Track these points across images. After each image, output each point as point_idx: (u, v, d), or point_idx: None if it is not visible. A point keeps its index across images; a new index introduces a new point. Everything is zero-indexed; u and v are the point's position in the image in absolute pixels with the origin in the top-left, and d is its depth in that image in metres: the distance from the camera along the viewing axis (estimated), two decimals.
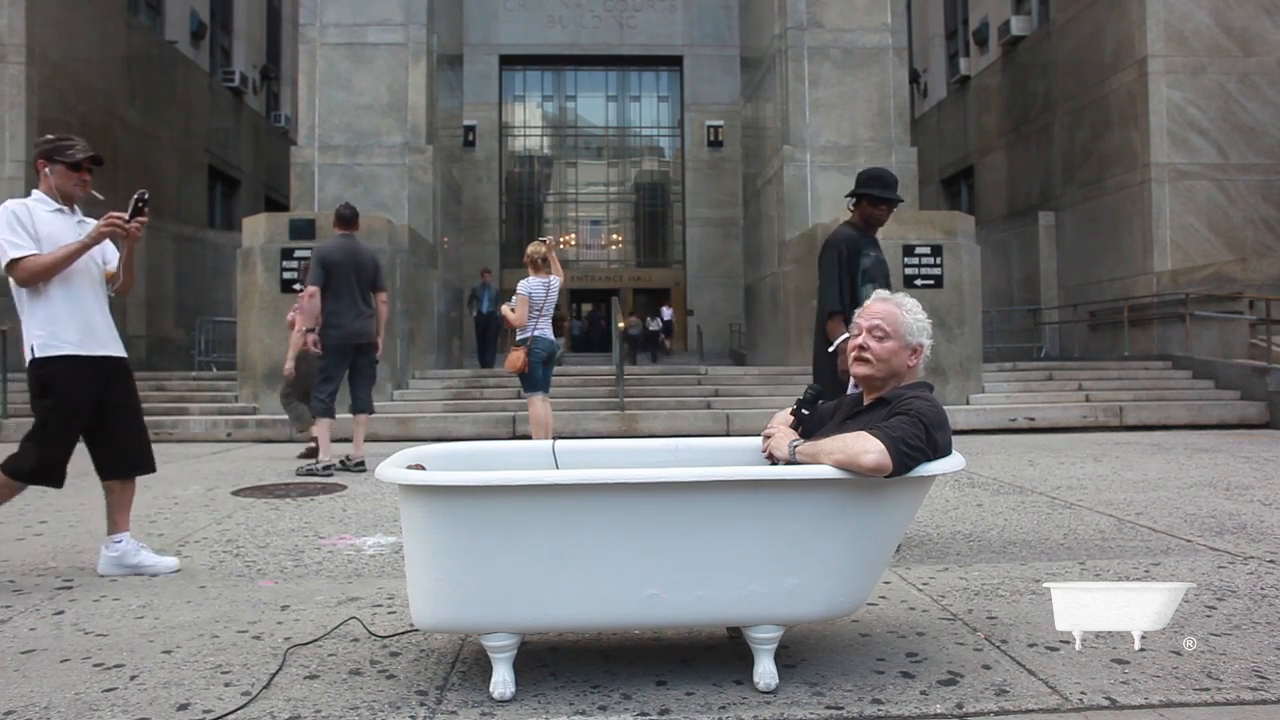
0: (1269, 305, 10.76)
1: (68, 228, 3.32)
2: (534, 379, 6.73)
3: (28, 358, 3.20)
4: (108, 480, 3.37)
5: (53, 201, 3.33)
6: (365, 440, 6.93)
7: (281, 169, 18.18)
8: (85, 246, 3.22)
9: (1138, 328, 13.50)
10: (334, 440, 6.47)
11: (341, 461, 6.28)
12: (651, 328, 24.63)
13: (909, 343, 2.35)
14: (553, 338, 6.81)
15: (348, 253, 6.18)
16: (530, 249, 6.82)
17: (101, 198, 3.51)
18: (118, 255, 3.53)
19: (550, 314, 6.71)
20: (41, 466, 3.18)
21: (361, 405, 6.49)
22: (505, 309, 6.85)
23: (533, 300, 6.61)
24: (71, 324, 3.21)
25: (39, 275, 3.15)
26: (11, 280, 3.16)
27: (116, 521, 3.35)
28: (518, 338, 6.70)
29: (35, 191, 3.34)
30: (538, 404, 6.77)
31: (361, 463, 6.30)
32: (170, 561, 3.38)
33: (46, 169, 3.32)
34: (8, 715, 1.99)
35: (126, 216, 3.32)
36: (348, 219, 6.35)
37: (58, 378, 3.17)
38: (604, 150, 30.27)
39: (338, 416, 6.43)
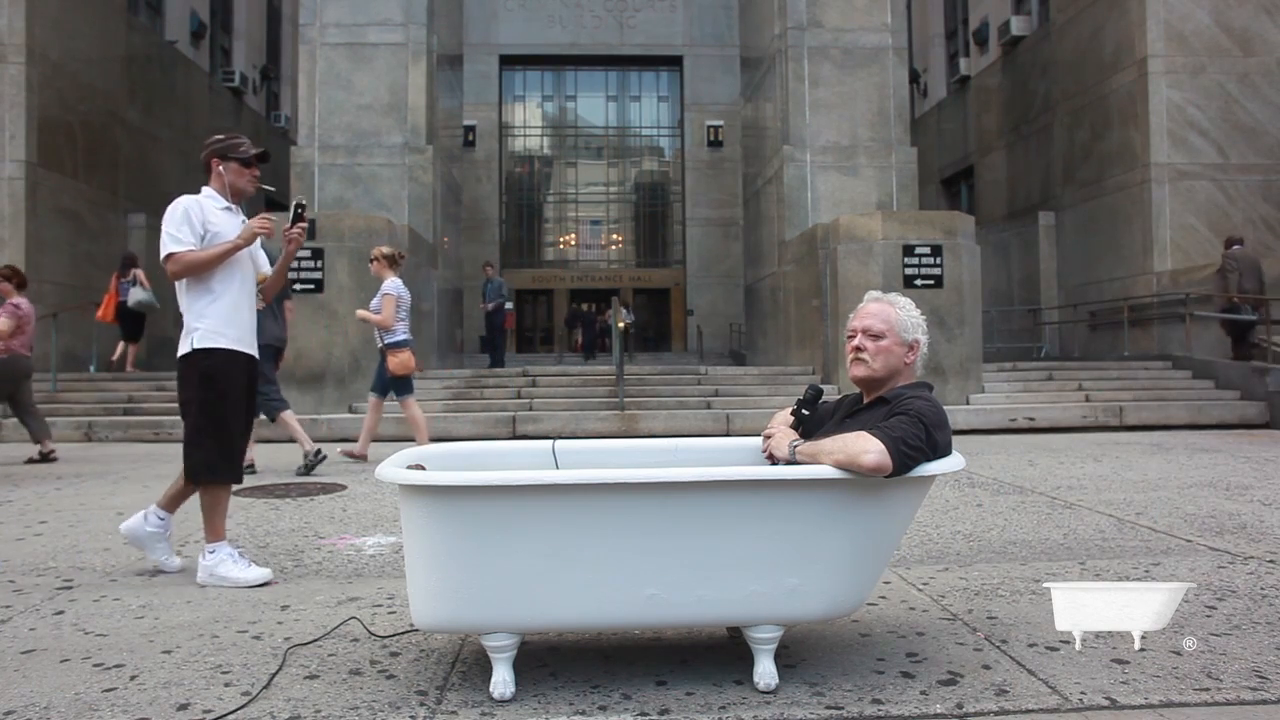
0: (1269, 305, 10.75)
1: (233, 225, 3.36)
2: (409, 381, 6.84)
3: (185, 349, 3.23)
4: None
5: (222, 199, 3.39)
6: (367, 440, 7.00)
7: (281, 169, 18.18)
8: (236, 247, 3.28)
9: (1138, 328, 13.50)
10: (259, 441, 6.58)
11: (309, 460, 6.38)
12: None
13: (904, 340, 2.36)
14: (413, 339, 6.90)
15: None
16: (387, 249, 6.81)
17: (273, 189, 3.60)
18: (265, 259, 3.62)
19: (409, 317, 6.78)
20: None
21: (284, 404, 6.65)
22: (362, 312, 6.82)
23: (400, 300, 6.63)
24: (231, 321, 3.28)
25: (191, 270, 3.22)
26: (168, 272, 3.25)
27: (218, 530, 3.27)
28: (390, 339, 6.66)
29: (206, 188, 3.40)
30: (414, 406, 6.85)
31: (318, 451, 6.44)
32: (260, 573, 3.21)
33: (220, 167, 3.38)
34: (8, 715, 1.99)
35: (288, 223, 3.42)
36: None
37: (220, 368, 3.23)
38: (604, 150, 30.25)
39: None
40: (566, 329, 26.10)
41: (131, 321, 12.08)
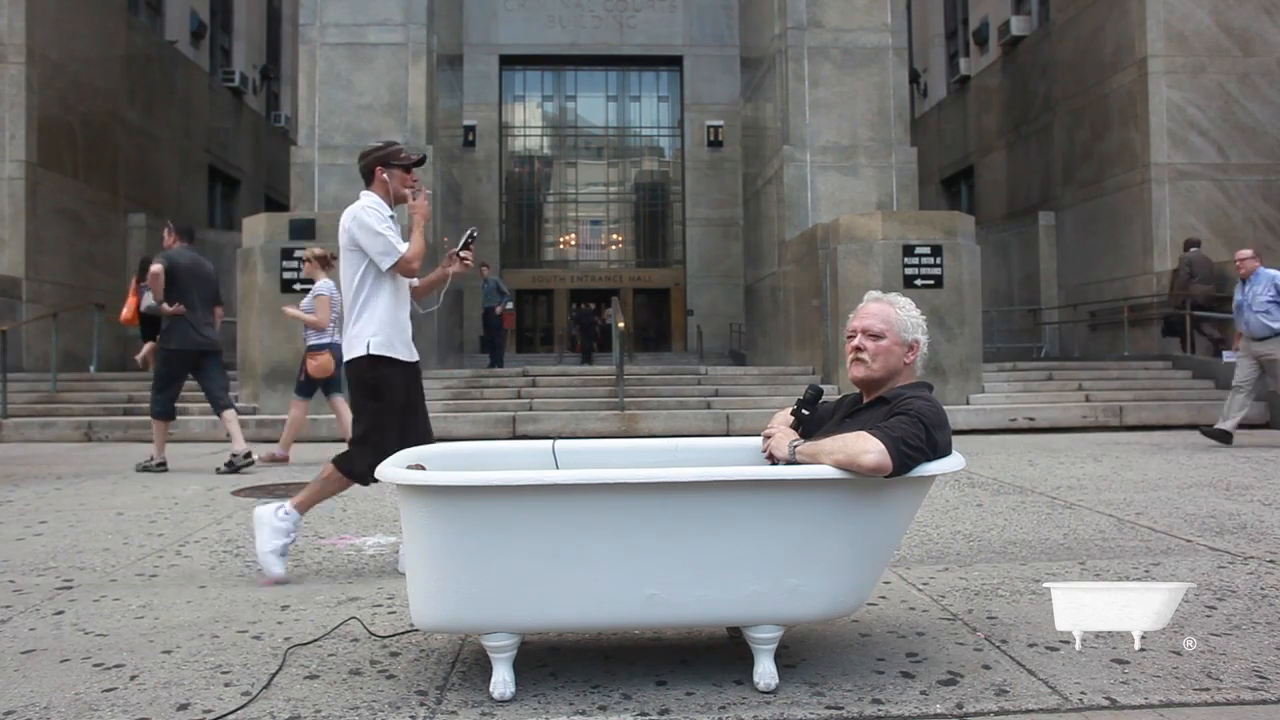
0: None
1: (395, 232, 3.42)
2: (337, 381, 6.80)
3: (356, 353, 3.27)
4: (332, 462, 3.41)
5: (386, 206, 3.43)
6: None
7: (281, 169, 18.16)
8: (422, 238, 3.38)
9: (1138, 328, 13.50)
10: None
11: (229, 461, 6.44)
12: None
13: (904, 339, 2.36)
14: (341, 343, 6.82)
15: (194, 263, 6.52)
16: (319, 249, 6.82)
17: (429, 191, 3.61)
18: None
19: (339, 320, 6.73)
20: (366, 470, 3.23)
21: (226, 404, 6.70)
22: (292, 310, 6.83)
23: (333, 301, 6.60)
24: (398, 330, 3.34)
25: (415, 269, 3.35)
26: (356, 274, 3.30)
27: (304, 499, 3.36)
28: (317, 341, 6.65)
29: (369, 195, 3.42)
30: (304, 408, 6.86)
31: (249, 454, 6.48)
32: (279, 571, 3.25)
33: (384, 174, 3.41)
34: (8, 715, 1.99)
35: (459, 245, 3.47)
36: (190, 234, 6.75)
37: (388, 379, 3.29)
38: (604, 150, 30.23)
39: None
40: (569, 331, 26.04)
41: (151, 323, 12.28)
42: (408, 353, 3.37)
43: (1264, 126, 13.50)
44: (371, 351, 3.24)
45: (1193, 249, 11.86)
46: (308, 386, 6.87)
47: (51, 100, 13.60)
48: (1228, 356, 8.17)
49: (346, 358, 3.32)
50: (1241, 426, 9.52)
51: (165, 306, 6.36)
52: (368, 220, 3.26)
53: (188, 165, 18.35)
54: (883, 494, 2.11)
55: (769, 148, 14.78)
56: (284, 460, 6.87)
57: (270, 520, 3.19)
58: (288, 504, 3.25)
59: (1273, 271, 7.56)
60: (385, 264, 3.26)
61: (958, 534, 3.96)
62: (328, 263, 6.73)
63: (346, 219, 3.31)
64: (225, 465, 6.39)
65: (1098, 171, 14.83)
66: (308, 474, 6.25)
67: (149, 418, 6.88)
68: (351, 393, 3.38)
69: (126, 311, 12.29)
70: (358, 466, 3.26)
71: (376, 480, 2.98)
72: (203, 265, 6.64)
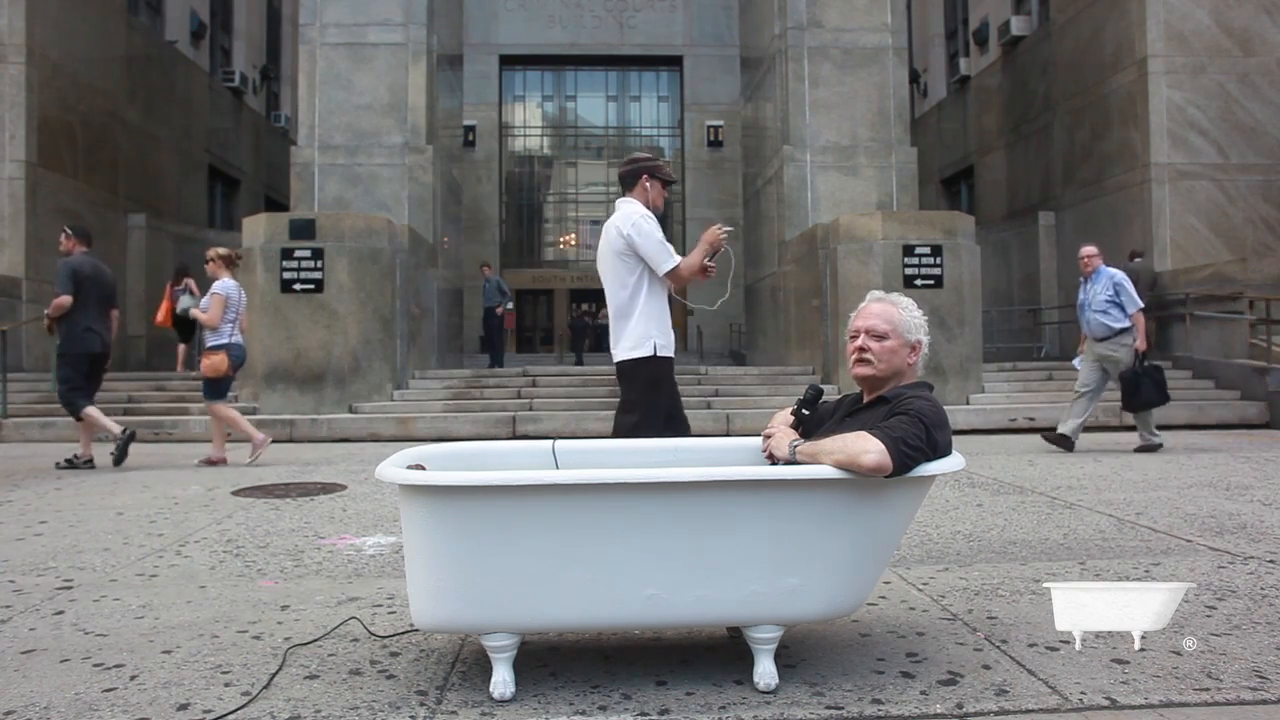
0: (1269, 305, 10.76)
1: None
2: (227, 385, 6.81)
3: (642, 354, 3.53)
4: None
5: (641, 210, 3.64)
6: (366, 439, 6.99)
7: (281, 169, 18.17)
8: (702, 258, 3.58)
9: None
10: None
11: (69, 460, 6.53)
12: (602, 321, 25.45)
13: (908, 340, 2.36)
14: (243, 344, 6.84)
15: (96, 269, 6.62)
16: (224, 250, 6.81)
17: (729, 228, 3.82)
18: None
19: (239, 320, 6.76)
20: None
21: (91, 403, 6.74)
22: (194, 310, 6.81)
23: (229, 302, 6.61)
24: (668, 330, 3.62)
25: (687, 280, 3.60)
26: (631, 278, 3.54)
27: None
28: (213, 341, 6.63)
29: (633, 203, 3.63)
30: (222, 410, 6.78)
31: (90, 460, 6.59)
32: None
33: (648, 183, 3.64)
34: (8, 715, 1.99)
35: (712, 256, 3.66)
36: (88, 237, 6.76)
37: (666, 374, 3.59)
38: (604, 150, 30.25)
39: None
40: (570, 333, 25.95)
41: (184, 326, 12.77)
42: (672, 350, 3.66)
43: (1264, 126, 13.50)
44: (659, 353, 3.55)
45: (1136, 259, 12.70)
46: (218, 387, 6.77)
47: (51, 100, 13.60)
48: (1075, 363, 7.83)
49: (631, 356, 3.55)
50: (1241, 426, 9.54)
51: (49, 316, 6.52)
52: (648, 228, 3.52)
53: (188, 165, 18.36)
54: (883, 494, 2.11)
55: (769, 148, 14.78)
56: (221, 462, 6.73)
57: None
58: None
59: (1113, 270, 7.33)
60: (663, 270, 3.51)
61: (958, 534, 3.96)
62: (232, 262, 6.74)
63: (624, 226, 3.51)
64: (65, 461, 6.51)
65: (1098, 171, 14.83)
66: (307, 473, 6.26)
67: (149, 418, 6.87)
68: (628, 387, 3.61)
69: (160, 314, 12.79)
70: None
71: None
72: (102, 271, 6.76)
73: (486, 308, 15.33)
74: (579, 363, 17.31)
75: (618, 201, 3.69)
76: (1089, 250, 7.52)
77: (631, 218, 3.52)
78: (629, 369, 3.56)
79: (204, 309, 6.69)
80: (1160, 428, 7.50)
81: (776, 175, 14.02)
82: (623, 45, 27.27)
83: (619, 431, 3.62)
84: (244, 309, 6.85)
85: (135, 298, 15.57)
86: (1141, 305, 7.27)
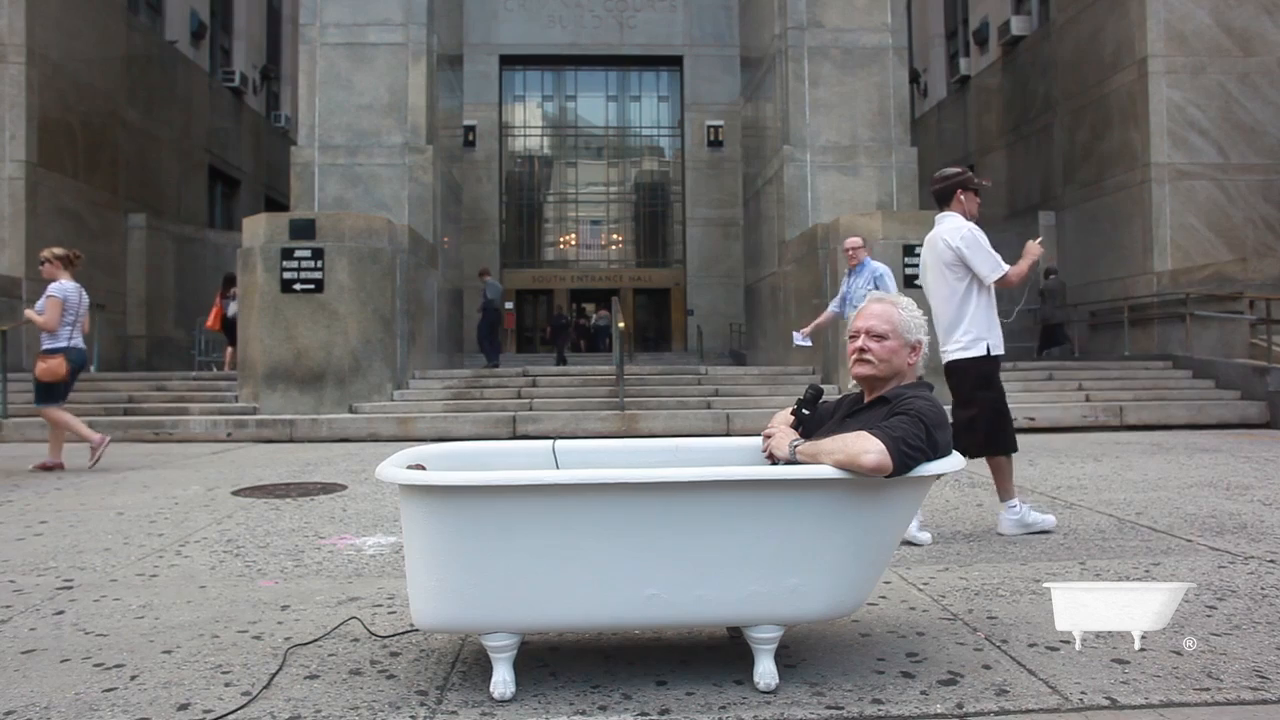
0: (1269, 305, 10.76)
1: None
2: (64, 389, 6.63)
3: (976, 354, 3.89)
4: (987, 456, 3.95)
5: (967, 224, 3.97)
6: (366, 439, 6.97)
7: (281, 169, 18.18)
8: (1030, 268, 3.96)
9: (1138, 328, 13.49)
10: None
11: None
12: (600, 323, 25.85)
13: (908, 341, 2.36)
14: (84, 347, 6.65)
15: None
16: (60, 250, 6.60)
17: (1042, 239, 4.24)
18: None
19: (79, 322, 6.56)
20: (1001, 437, 3.92)
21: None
22: (29, 312, 6.60)
23: (67, 304, 6.40)
24: (998, 329, 3.97)
25: (1005, 285, 3.91)
26: (961, 286, 3.90)
27: (1009, 490, 3.93)
28: (49, 345, 6.43)
29: (954, 216, 4.00)
30: (55, 413, 6.58)
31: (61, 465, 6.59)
32: (1050, 519, 3.92)
33: (963, 196, 4.02)
34: (8, 715, 1.99)
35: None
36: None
37: (996, 373, 3.94)
38: (604, 150, 30.23)
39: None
40: (550, 331, 25.41)
41: (233, 329, 13.09)
42: (1003, 349, 4.00)
43: (1264, 126, 13.50)
44: (992, 353, 3.90)
45: (1051, 277, 14.17)
46: (53, 392, 6.53)
47: (51, 100, 13.60)
48: (796, 337, 7.49)
49: (964, 355, 3.91)
50: (1242, 426, 9.53)
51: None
52: (978, 239, 3.86)
53: (188, 165, 18.35)
54: (883, 494, 2.11)
55: (769, 148, 14.78)
56: (58, 468, 6.50)
57: (1013, 522, 3.87)
58: (1003, 504, 3.93)
59: (877, 264, 7.07)
60: (993, 278, 3.86)
61: (958, 534, 3.96)
62: (70, 263, 6.52)
63: (952, 239, 3.87)
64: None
65: (1098, 171, 14.83)
66: (307, 473, 6.25)
67: (149, 418, 6.84)
68: (960, 384, 3.96)
69: (211, 318, 13.03)
70: (966, 444, 3.75)
71: (1012, 449, 3.93)
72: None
73: (492, 308, 15.40)
74: (559, 362, 17.32)
75: (938, 216, 4.07)
76: (854, 241, 7.19)
77: (960, 230, 3.89)
78: (963, 367, 3.92)
79: (40, 311, 6.38)
80: (1160, 427, 7.47)
81: (776, 175, 14.02)
82: (623, 45, 27.26)
83: (956, 427, 3.86)
84: (85, 311, 6.58)
85: (135, 298, 15.58)
86: None
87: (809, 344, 7.18)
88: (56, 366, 6.42)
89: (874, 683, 2.14)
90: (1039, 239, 4.04)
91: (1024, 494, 5.06)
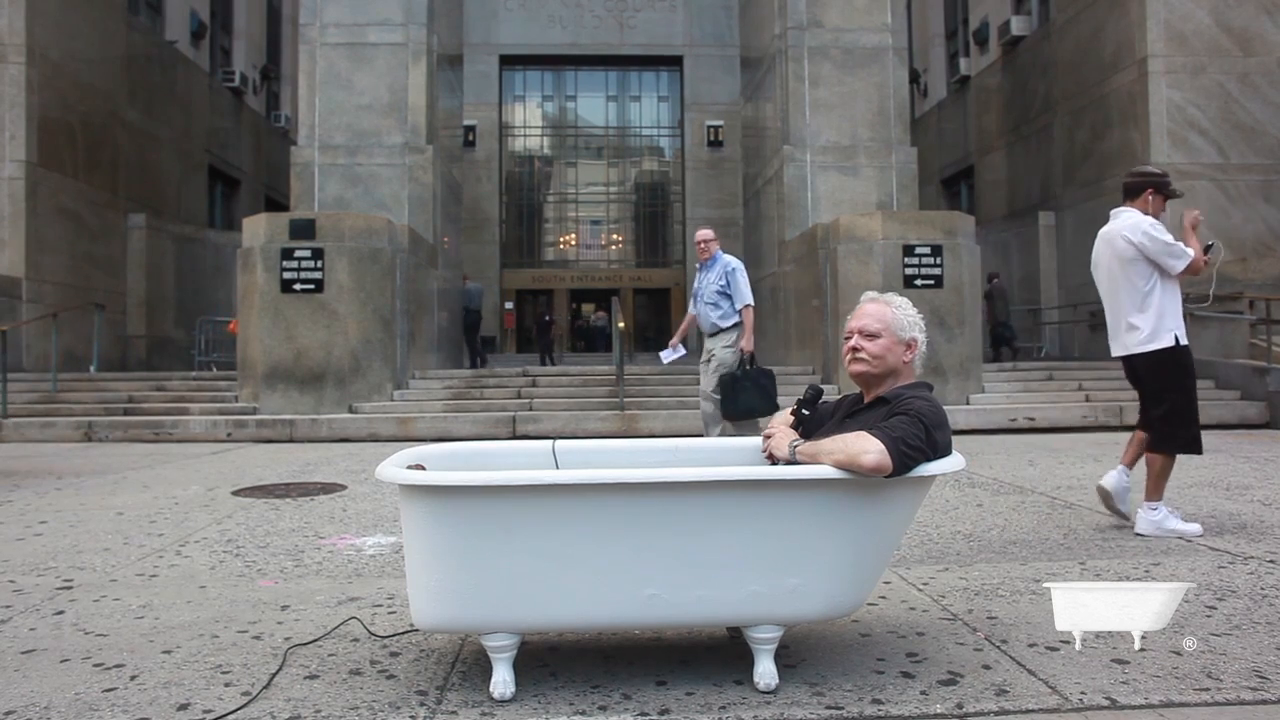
0: (1269, 305, 10.75)
1: None
2: None
3: (1166, 344, 3.88)
4: (1152, 452, 3.98)
5: (1147, 218, 3.99)
6: (366, 439, 6.95)
7: (281, 169, 18.17)
8: (1196, 245, 3.98)
9: None
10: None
11: None
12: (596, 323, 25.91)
13: (901, 338, 2.36)
14: None
15: None
16: None
17: (1198, 213, 4.18)
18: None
19: None
20: (1192, 438, 3.91)
21: None
22: None
23: None
24: (1182, 320, 3.97)
25: (1194, 273, 3.96)
26: (1147, 279, 3.91)
27: (1160, 492, 3.91)
28: None
29: (1133, 211, 4.02)
30: None
31: None
32: (1194, 527, 3.83)
33: (1151, 196, 4.04)
34: (8, 715, 1.99)
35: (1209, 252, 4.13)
36: None
37: (1189, 364, 3.94)
38: (604, 150, 30.24)
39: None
40: (536, 331, 24.86)
41: None
42: (1187, 339, 4.00)
43: (1264, 126, 13.50)
44: (1182, 342, 3.90)
45: (994, 280, 14.67)
46: None
47: (51, 100, 13.60)
48: (661, 356, 6.93)
49: (1153, 348, 3.89)
50: (1241, 426, 9.51)
51: None
52: (1158, 234, 3.89)
53: (188, 165, 18.35)
54: (883, 494, 2.11)
55: (769, 148, 14.78)
56: None
57: (1152, 524, 3.84)
58: (1145, 503, 3.88)
59: (730, 258, 6.46)
60: (1178, 268, 3.89)
61: (958, 534, 3.96)
62: None
63: (1133, 235, 3.89)
64: None
65: (1098, 171, 14.83)
66: (307, 473, 6.25)
67: (149, 418, 6.79)
68: (1154, 375, 3.95)
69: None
70: (1182, 437, 3.89)
71: (1199, 449, 3.95)
72: None
73: (471, 310, 15.81)
74: (545, 362, 17.39)
75: (1115, 211, 4.09)
76: (705, 234, 6.61)
77: (1140, 226, 3.91)
78: (1156, 359, 3.91)
79: None
80: None
81: (776, 175, 14.01)
82: (623, 45, 27.27)
83: (1145, 426, 3.99)
84: None
85: (135, 298, 15.57)
86: (751, 301, 6.37)
87: (683, 352, 6.79)
88: None
89: (874, 683, 2.14)
90: (1196, 211, 4.07)
91: (1024, 493, 5.06)
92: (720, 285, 6.36)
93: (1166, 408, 3.91)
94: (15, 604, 2.92)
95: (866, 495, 2.09)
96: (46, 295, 13.14)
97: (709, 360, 6.49)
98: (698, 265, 6.64)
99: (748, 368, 6.32)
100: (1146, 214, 4.00)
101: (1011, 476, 5.81)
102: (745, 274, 6.43)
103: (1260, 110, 13.51)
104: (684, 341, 6.89)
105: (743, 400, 6.18)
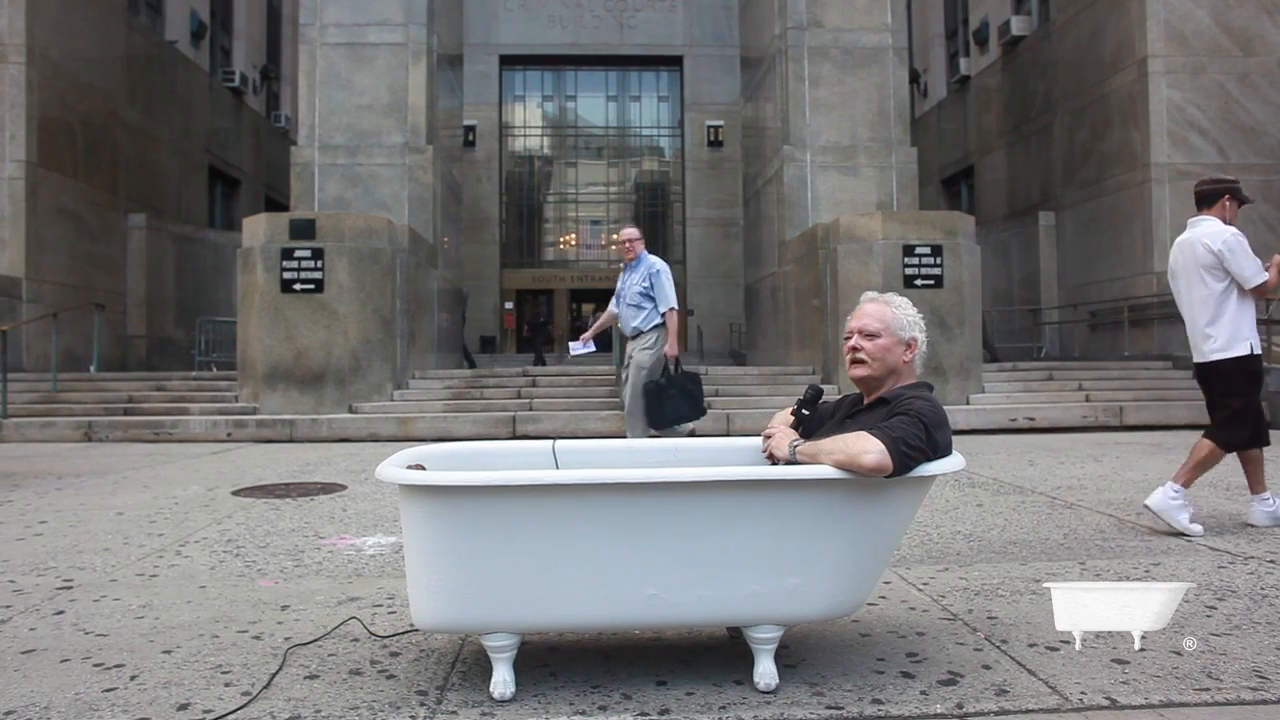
0: (1269, 305, 10.76)
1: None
2: None
3: (1240, 352, 3.97)
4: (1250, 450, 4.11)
5: (1230, 228, 4.07)
6: (366, 439, 6.94)
7: (281, 169, 18.17)
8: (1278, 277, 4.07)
9: (1138, 328, 13.49)
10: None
11: None
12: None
13: (901, 338, 2.36)
14: None
15: None
16: None
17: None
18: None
19: None
20: (1258, 431, 4.04)
21: None
22: None
23: None
24: (1256, 329, 4.09)
25: (1260, 294, 4.04)
26: (1219, 287, 4.01)
27: (1263, 483, 4.10)
28: None
29: (1213, 220, 4.14)
30: None
31: None
32: (1196, 528, 3.88)
33: (1228, 202, 4.16)
34: (8, 715, 1.99)
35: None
36: None
37: (1260, 371, 4.07)
38: (604, 150, 30.25)
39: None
40: (529, 332, 24.64)
41: None
42: (1260, 348, 4.11)
43: (1264, 126, 13.50)
44: (1255, 351, 4.00)
45: None
46: None
47: (51, 100, 13.60)
48: (571, 347, 6.70)
49: (1229, 355, 3.99)
50: None
51: None
52: (1241, 243, 3.97)
53: (188, 165, 18.35)
54: (883, 494, 2.11)
55: (769, 148, 14.78)
56: None
57: (1165, 503, 3.92)
58: (1170, 485, 3.99)
59: (655, 259, 6.33)
60: (1253, 284, 3.96)
61: (958, 534, 3.96)
62: None
63: (1214, 243, 3.99)
64: None
65: (1098, 171, 14.83)
66: (307, 473, 6.25)
67: (149, 418, 6.75)
68: (1223, 383, 4.06)
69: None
70: (1234, 438, 4.03)
71: (1266, 442, 4.09)
72: None
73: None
74: (537, 363, 17.42)
75: (1193, 219, 4.22)
76: (630, 233, 6.46)
77: (1222, 235, 3.99)
78: (1228, 367, 4.01)
79: None
80: (1161, 428, 7.47)
81: (776, 175, 14.01)
82: (623, 45, 27.27)
83: (1220, 421, 4.06)
84: None
85: (135, 298, 15.57)
86: (674, 305, 6.25)
87: (591, 349, 6.66)
88: None
89: (874, 683, 2.14)
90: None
91: (1024, 493, 5.06)
92: (644, 287, 6.22)
93: (1229, 413, 4.03)
94: (15, 604, 2.92)
95: (867, 495, 2.09)
96: (46, 295, 13.14)
97: (628, 365, 6.31)
98: (623, 265, 6.50)
99: (673, 373, 6.14)
100: (1225, 220, 4.09)
101: (1011, 476, 5.81)
102: (670, 276, 6.30)
103: (1260, 110, 13.51)
104: (596, 339, 6.75)
105: (669, 408, 6.03)
